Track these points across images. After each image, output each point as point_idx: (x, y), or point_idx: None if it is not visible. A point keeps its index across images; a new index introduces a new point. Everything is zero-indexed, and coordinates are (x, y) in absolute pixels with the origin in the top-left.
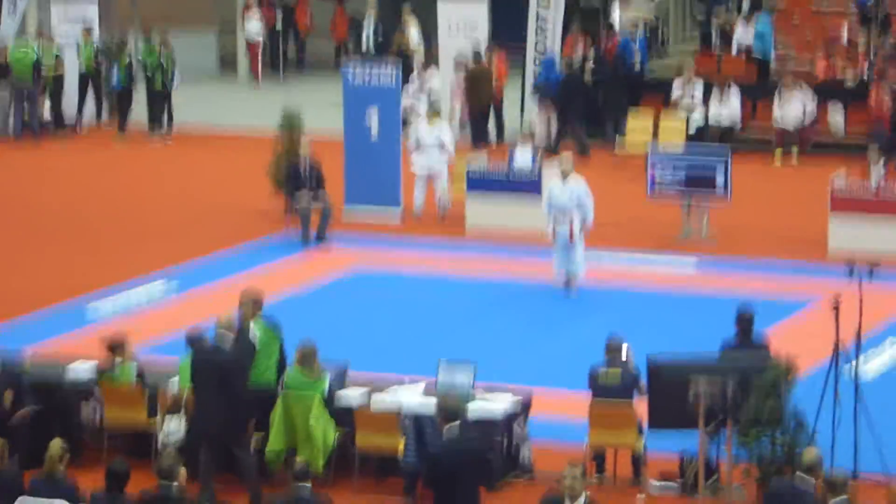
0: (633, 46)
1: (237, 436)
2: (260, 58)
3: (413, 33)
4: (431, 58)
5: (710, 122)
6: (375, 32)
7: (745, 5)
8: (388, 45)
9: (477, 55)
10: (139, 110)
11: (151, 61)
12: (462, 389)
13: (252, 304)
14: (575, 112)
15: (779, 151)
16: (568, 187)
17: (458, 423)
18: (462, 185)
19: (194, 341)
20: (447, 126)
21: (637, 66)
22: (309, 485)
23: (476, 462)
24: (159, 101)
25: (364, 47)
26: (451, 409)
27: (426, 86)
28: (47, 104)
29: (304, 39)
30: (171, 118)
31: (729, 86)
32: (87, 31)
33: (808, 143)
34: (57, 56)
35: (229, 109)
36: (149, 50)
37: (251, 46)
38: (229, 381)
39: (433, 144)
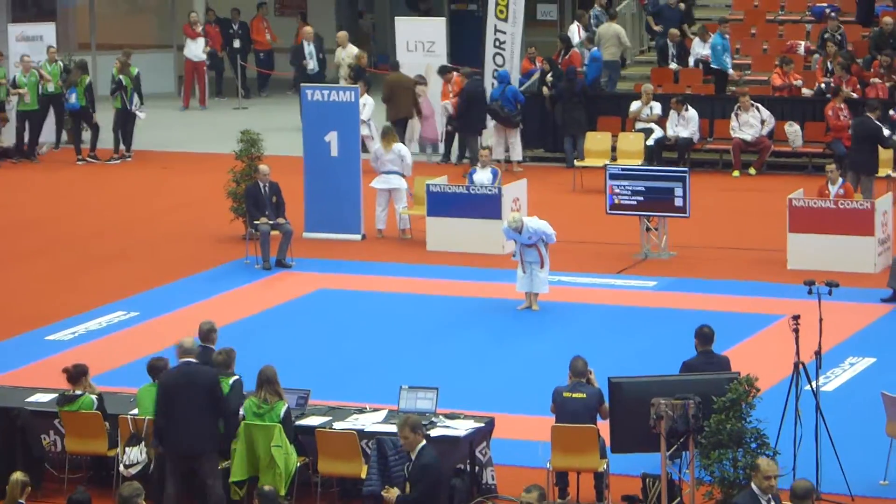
0: (598, 60)
1: (219, 453)
2: (206, 78)
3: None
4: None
5: (669, 140)
6: (318, 51)
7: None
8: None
9: (395, 63)
10: (104, 133)
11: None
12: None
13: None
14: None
15: (737, 169)
16: (525, 232)
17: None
18: (422, 205)
19: (159, 369)
20: (403, 146)
21: (607, 83)
22: None
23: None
24: (122, 123)
25: (309, 67)
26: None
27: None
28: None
29: (262, 58)
30: (130, 138)
31: (686, 109)
32: (54, 51)
33: (766, 153)
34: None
35: (186, 131)
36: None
37: (197, 66)
38: (217, 395)
39: (392, 160)
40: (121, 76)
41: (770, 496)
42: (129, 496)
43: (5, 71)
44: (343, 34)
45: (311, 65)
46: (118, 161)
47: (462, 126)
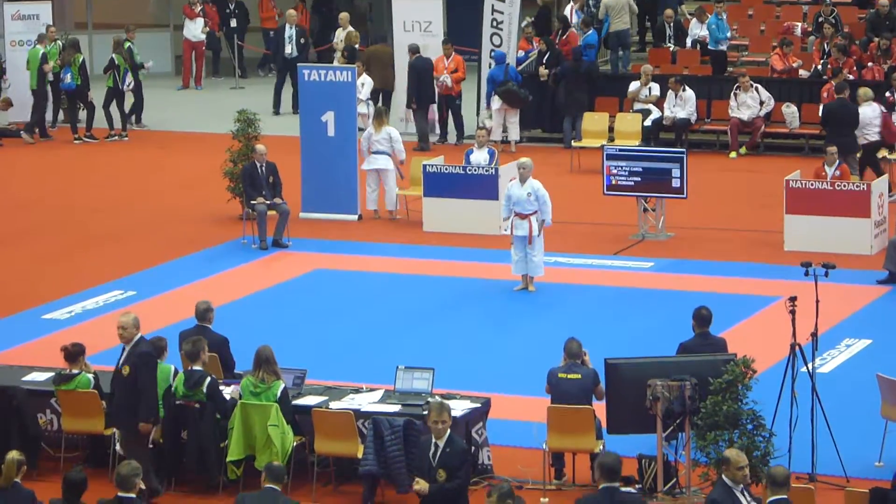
0: (593, 46)
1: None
2: (204, 58)
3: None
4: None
5: (666, 122)
6: (299, 35)
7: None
8: (308, 49)
9: (381, 36)
10: (99, 112)
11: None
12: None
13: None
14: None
15: (734, 150)
16: (526, 187)
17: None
18: (419, 185)
19: (159, 349)
20: (393, 129)
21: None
22: (279, 488)
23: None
24: (113, 101)
25: (287, 51)
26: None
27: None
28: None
29: (272, 37)
30: (124, 116)
31: (684, 89)
32: (54, 30)
33: (758, 133)
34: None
35: (183, 111)
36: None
37: (196, 46)
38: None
39: (381, 141)
40: (113, 55)
41: (742, 486)
42: (128, 475)
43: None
44: (344, 15)
45: (290, 49)
46: (115, 139)
47: (418, 100)
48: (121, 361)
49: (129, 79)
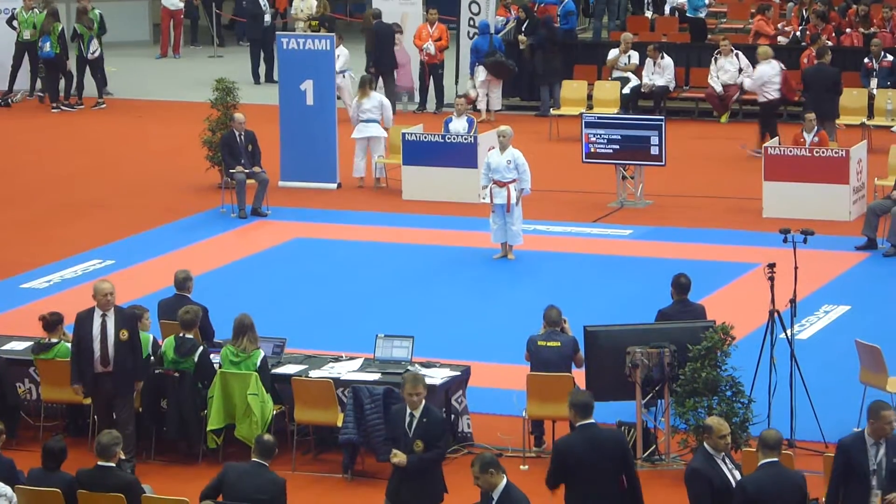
0: (573, 14)
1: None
2: (181, 26)
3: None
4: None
5: (645, 89)
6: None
7: None
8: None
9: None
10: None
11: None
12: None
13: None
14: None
15: (722, 114)
16: (506, 155)
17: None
18: (398, 154)
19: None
20: (383, 96)
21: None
22: (267, 463)
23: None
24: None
25: (268, 18)
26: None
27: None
28: None
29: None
30: (100, 85)
31: (662, 57)
32: None
33: (731, 100)
34: None
35: (162, 80)
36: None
37: (174, 14)
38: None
39: (371, 109)
40: (75, 25)
41: (724, 454)
42: (108, 444)
43: None
44: None
45: (267, 18)
46: (94, 108)
47: (377, 64)
48: (108, 327)
49: (95, 45)
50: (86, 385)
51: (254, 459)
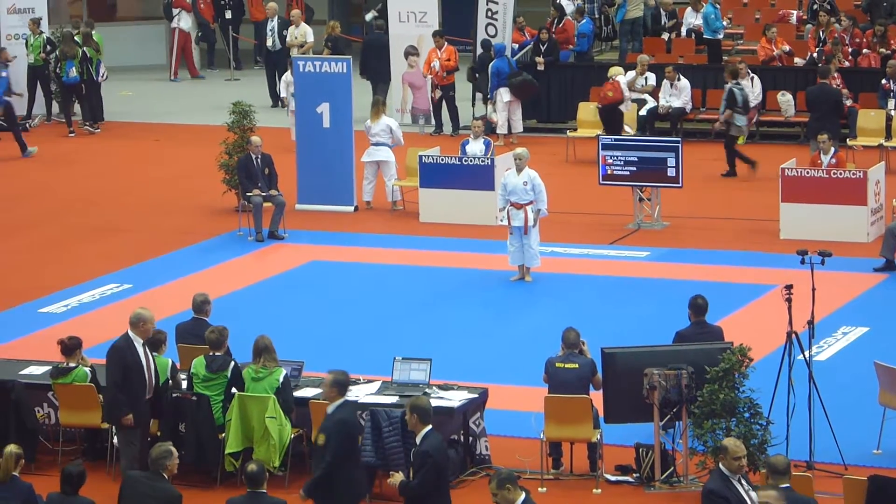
0: (587, 36)
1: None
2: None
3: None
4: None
5: (662, 111)
6: (280, 28)
7: None
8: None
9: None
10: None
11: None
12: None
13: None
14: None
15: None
16: (522, 177)
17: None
18: (415, 176)
19: (159, 342)
20: (391, 119)
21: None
22: (264, 490)
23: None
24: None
25: (268, 44)
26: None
27: None
28: None
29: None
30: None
31: (679, 79)
32: (35, 23)
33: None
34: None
35: (178, 103)
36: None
37: (182, 36)
38: None
39: (380, 133)
40: (84, 49)
41: (739, 476)
42: (158, 458)
43: None
44: (296, 12)
45: (270, 41)
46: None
47: (370, 76)
48: (148, 354)
49: (103, 69)
50: (136, 414)
51: (249, 491)
